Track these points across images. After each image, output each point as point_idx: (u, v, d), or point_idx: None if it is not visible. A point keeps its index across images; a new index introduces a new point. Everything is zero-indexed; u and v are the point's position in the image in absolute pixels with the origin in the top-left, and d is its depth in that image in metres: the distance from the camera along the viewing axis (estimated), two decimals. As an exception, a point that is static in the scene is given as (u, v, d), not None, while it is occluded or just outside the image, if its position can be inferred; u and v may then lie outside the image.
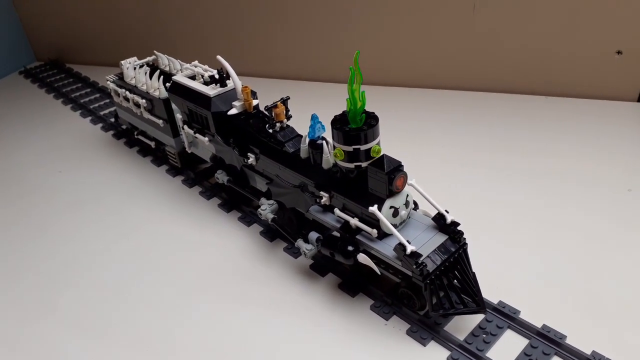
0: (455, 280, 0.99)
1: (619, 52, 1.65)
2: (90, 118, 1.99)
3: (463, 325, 1.01)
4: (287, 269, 1.20)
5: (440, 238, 1.00)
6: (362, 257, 1.00)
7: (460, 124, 1.73)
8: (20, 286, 1.23)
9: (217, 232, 1.34)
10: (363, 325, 1.04)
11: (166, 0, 2.23)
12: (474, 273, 1.01)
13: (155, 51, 1.63)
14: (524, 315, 1.01)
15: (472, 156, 1.55)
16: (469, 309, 0.97)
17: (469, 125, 1.71)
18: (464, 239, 1.00)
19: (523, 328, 0.99)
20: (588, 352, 0.93)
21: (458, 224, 1.00)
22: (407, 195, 1.01)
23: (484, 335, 0.98)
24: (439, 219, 1.01)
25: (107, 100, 2.11)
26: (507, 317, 1.01)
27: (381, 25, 1.91)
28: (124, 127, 1.84)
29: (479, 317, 1.02)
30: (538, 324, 0.99)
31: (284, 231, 1.18)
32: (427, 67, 1.93)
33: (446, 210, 1.01)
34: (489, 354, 0.95)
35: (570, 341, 0.95)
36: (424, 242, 0.99)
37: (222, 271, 1.21)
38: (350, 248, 1.01)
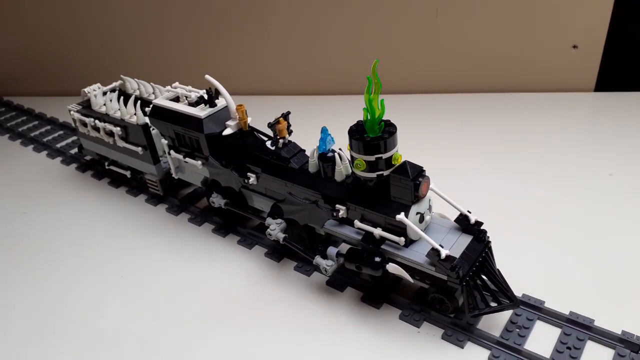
0: (485, 279, 0.99)
1: (574, 47, 1.75)
2: (46, 152, 1.84)
3: (494, 322, 1.02)
4: (302, 288, 1.16)
5: (466, 239, 1.00)
6: (392, 267, 0.99)
7: (435, 126, 1.76)
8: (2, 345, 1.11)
9: (218, 259, 1.28)
10: (396, 336, 1.03)
11: (108, 24, 2.12)
12: (498, 270, 1.02)
13: (122, 75, 1.54)
14: (549, 305, 1.04)
15: (455, 157, 1.58)
16: (503, 306, 0.98)
17: (444, 126, 1.75)
18: (488, 237, 1.01)
19: (552, 317, 1.01)
20: (618, 332, 0.96)
21: (482, 224, 1.01)
22: (430, 200, 1.01)
23: (518, 330, 1.00)
24: (463, 220, 1.01)
25: (62, 132, 1.96)
26: (535, 308, 1.03)
27: (349, 35, 1.92)
28: (87, 158, 1.73)
29: (508, 313, 1.03)
30: (565, 311, 1.02)
31: (298, 250, 1.15)
32: (393, 73, 1.96)
33: (468, 211, 1.02)
34: (527, 347, 0.96)
35: (599, 324, 0.98)
36: (451, 245, 0.99)
37: (235, 299, 1.15)
38: (377, 259, 1.00)
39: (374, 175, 0.99)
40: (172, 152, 1.31)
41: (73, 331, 1.12)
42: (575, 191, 1.37)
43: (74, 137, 1.92)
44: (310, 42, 1.97)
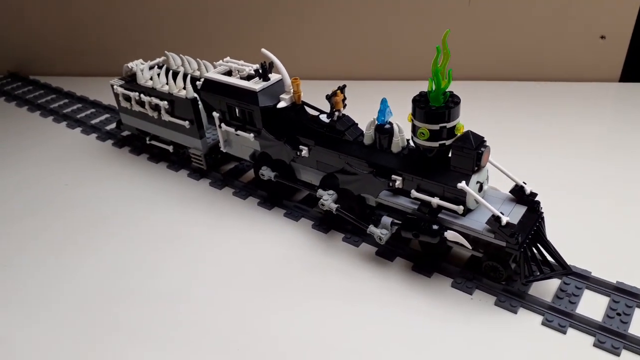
0: (539, 246, 1.04)
1: (602, 37, 1.80)
2: (80, 129, 1.86)
3: (544, 290, 1.06)
4: (353, 258, 1.20)
5: (520, 209, 1.04)
6: (451, 235, 1.02)
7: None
8: (64, 309, 1.13)
9: (267, 231, 1.31)
10: (449, 303, 1.06)
11: (138, 4, 2.14)
12: (548, 240, 1.07)
13: (166, 52, 1.56)
14: (596, 275, 1.08)
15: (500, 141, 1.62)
16: (556, 272, 1.02)
17: (469, 114, 1.78)
18: (541, 208, 1.05)
19: (600, 286, 1.06)
20: (665, 299, 1.01)
21: (536, 195, 1.05)
22: (487, 170, 1.05)
23: (568, 297, 1.04)
24: (519, 190, 1.05)
25: (94, 110, 1.98)
26: (583, 277, 1.07)
27: (380, 22, 1.96)
28: (124, 134, 1.75)
29: (557, 282, 1.07)
30: (612, 280, 1.06)
31: (351, 219, 1.18)
32: (424, 60, 2.00)
33: (524, 182, 1.06)
34: (578, 312, 1.00)
35: (645, 293, 1.03)
36: (508, 214, 1.03)
37: (287, 268, 1.19)
38: (435, 227, 1.03)
39: (436, 144, 1.02)
40: (222, 125, 1.34)
41: (135, 295, 1.15)
42: (611, 171, 1.42)
43: (107, 115, 1.94)
44: (347, 29, 2.01)
